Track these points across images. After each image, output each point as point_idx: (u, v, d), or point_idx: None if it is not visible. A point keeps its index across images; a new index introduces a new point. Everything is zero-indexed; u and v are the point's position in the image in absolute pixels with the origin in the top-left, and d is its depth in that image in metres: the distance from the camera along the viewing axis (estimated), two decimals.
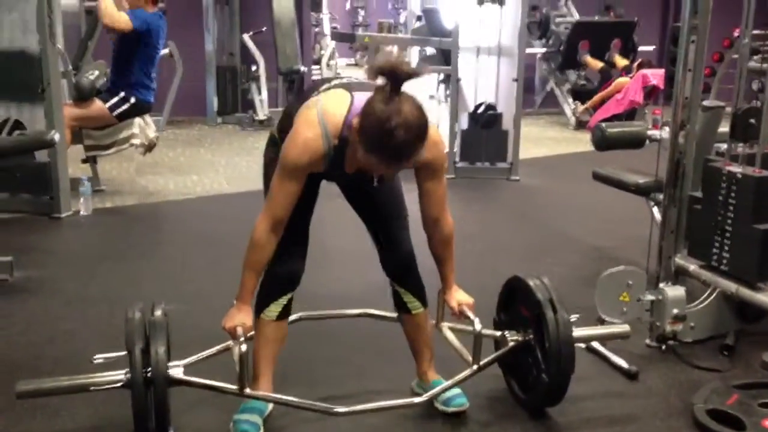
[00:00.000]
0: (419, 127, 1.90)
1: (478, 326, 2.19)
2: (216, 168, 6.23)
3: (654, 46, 9.67)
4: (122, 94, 4.90)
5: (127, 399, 1.95)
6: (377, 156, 1.92)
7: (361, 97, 2.00)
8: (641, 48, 9.21)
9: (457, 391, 2.32)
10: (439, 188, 2.15)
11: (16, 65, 4.48)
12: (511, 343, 2.31)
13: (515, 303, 2.39)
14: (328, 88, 2.12)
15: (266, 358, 2.24)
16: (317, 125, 1.99)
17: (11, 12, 4.46)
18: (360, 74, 2.53)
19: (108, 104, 4.88)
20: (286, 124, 2.17)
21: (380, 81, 1.92)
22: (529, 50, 7.78)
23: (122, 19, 4.75)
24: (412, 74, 1.90)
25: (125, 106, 4.92)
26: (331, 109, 2.02)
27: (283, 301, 2.22)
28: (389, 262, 2.32)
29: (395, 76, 1.88)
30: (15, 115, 4.54)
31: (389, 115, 1.86)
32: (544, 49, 9.54)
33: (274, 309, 2.22)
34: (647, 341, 2.84)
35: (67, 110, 4.79)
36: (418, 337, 2.38)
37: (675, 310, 2.75)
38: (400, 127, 1.86)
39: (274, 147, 2.23)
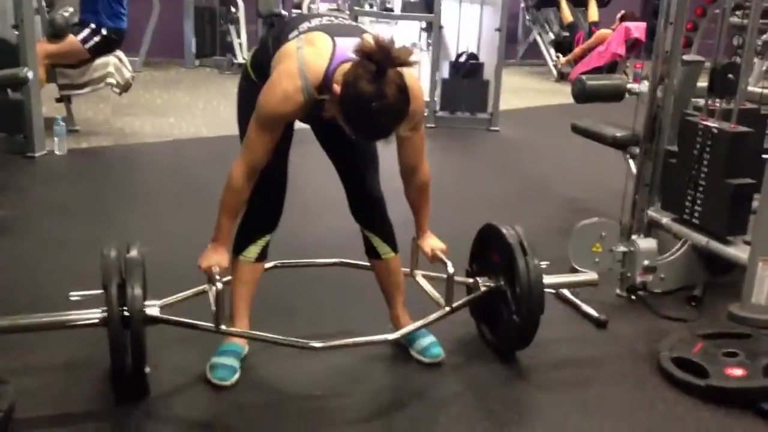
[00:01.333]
0: (400, 111, 1.87)
1: (450, 269, 2.23)
2: (193, 111, 6.16)
3: None
4: (92, 25, 4.79)
5: (104, 338, 1.95)
6: (353, 129, 1.91)
7: (343, 44, 1.96)
8: None
9: (432, 339, 2.36)
10: (418, 138, 2.14)
11: None
12: (483, 289, 2.35)
13: (487, 251, 2.43)
14: (309, 29, 2.06)
15: (243, 299, 2.27)
16: (297, 77, 1.94)
17: None
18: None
19: (79, 37, 4.77)
20: (260, 59, 2.14)
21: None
22: None
23: None
24: (403, 62, 1.83)
25: (96, 39, 4.81)
26: (311, 58, 1.95)
27: (262, 242, 2.24)
28: (358, 207, 2.33)
29: (384, 62, 1.81)
30: None
31: (371, 97, 1.81)
32: None
33: (253, 250, 2.23)
34: (617, 291, 2.90)
35: (41, 47, 4.68)
36: (389, 281, 2.41)
37: (646, 262, 2.81)
38: (381, 111, 1.83)
39: (247, 81, 2.21)
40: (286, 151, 2.21)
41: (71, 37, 4.79)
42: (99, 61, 5.01)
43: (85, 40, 4.80)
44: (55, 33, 4.76)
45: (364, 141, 2.14)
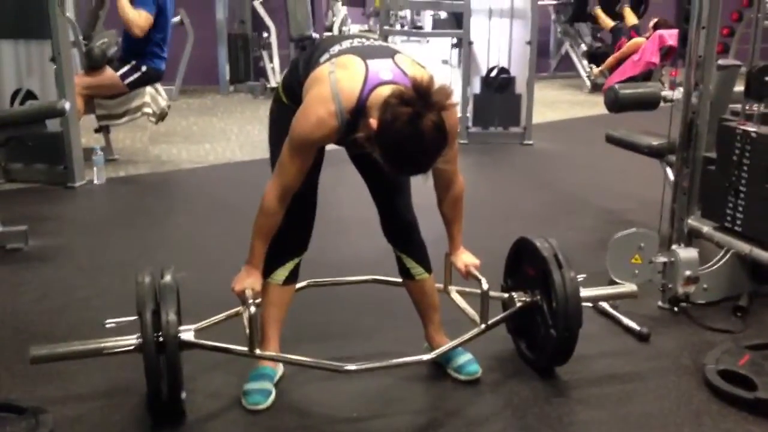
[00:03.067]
0: (438, 149, 1.85)
1: (485, 285, 2.19)
2: (228, 136, 6.24)
3: None
4: (133, 62, 4.93)
5: (141, 364, 1.97)
6: (389, 165, 1.88)
7: (376, 66, 1.96)
8: None
9: (469, 356, 2.33)
10: (451, 150, 2.11)
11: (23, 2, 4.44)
12: (519, 304, 2.32)
13: (522, 264, 2.39)
14: (340, 52, 2.04)
15: (273, 322, 2.26)
16: (331, 101, 1.92)
17: None
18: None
19: (119, 72, 4.90)
20: (291, 80, 2.15)
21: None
22: (540, 2, 7.60)
23: (144, 21, 4.80)
24: (442, 107, 1.81)
25: (136, 75, 4.94)
26: (345, 83, 1.94)
27: (291, 265, 2.23)
28: (390, 229, 2.32)
29: (423, 108, 1.79)
30: (25, 72, 4.57)
31: (409, 139, 1.79)
32: (555, 2, 9.38)
33: (281, 273, 2.23)
34: (659, 303, 2.83)
35: (79, 79, 4.81)
36: (424, 302, 2.38)
37: (688, 272, 2.73)
38: (418, 152, 1.82)
39: (278, 104, 2.22)
40: (316, 175, 2.21)
41: (110, 71, 4.91)
42: (135, 91, 5.12)
43: (124, 76, 4.93)
44: (92, 64, 4.88)
45: (400, 176, 2.13)
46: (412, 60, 2.06)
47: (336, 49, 2.06)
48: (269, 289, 2.23)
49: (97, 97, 5.05)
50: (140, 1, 4.81)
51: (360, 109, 1.93)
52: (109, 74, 4.91)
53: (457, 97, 5.68)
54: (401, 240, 2.33)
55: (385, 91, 1.87)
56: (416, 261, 2.33)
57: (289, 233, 2.17)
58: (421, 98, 1.79)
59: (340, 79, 1.94)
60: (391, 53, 2.04)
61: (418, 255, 2.33)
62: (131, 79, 4.95)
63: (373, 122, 1.84)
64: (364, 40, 2.16)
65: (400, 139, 1.80)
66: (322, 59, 2.05)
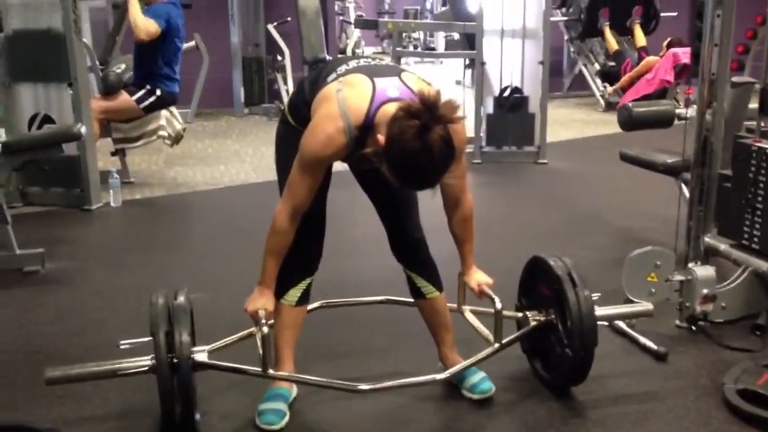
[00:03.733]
0: (446, 164, 1.85)
1: (498, 304, 2.18)
2: (243, 158, 6.28)
3: (676, 13, 9.40)
4: (148, 86, 4.98)
5: (155, 385, 1.97)
6: (398, 180, 1.89)
7: (383, 84, 1.97)
8: (664, 14, 8.97)
9: (482, 375, 2.32)
10: (459, 166, 2.11)
11: (42, 45, 4.51)
12: (533, 323, 2.30)
13: (536, 283, 2.38)
14: (347, 71, 2.07)
15: (287, 343, 2.26)
16: (339, 118, 1.94)
17: None
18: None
19: (134, 97, 4.96)
20: (298, 101, 2.17)
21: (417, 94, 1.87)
22: (550, 19, 7.61)
23: (153, 28, 4.79)
24: (449, 120, 1.82)
25: (151, 99, 4.99)
26: (353, 100, 1.96)
27: (303, 285, 2.23)
28: (399, 248, 2.32)
29: (431, 121, 1.79)
30: (43, 97, 4.63)
31: (417, 152, 1.80)
32: (564, 18, 9.40)
33: (293, 294, 2.22)
34: (677, 322, 2.80)
35: (95, 103, 4.87)
36: (435, 321, 2.37)
37: (705, 290, 2.70)
38: (426, 166, 1.83)
39: (284, 125, 2.24)
40: (325, 194, 2.22)
41: (126, 96, 4.96)
42: (151, 114, 5.18)
43: (140, 100, 4.98)
44: (108, 89, 4.95)
45: (408, 190, 2.14)
46: (418, 77, 2.08)
47: (343, 68, 2.09)
48: (282, 310, 2.23)
49: (113, 120, 5.11)
50: (151, 14, 4.84)
51: (368, 126, 1.94)
52: (125, 98, 4.97)
53: (470, 117, 5.68)
54: (410, 259, 2.32)
55: (392, 108, 1.88)
56: (426, 279, 2.32)
57: (300, 252, 2.17)
58: (428, 111, 1.80)
59: (347, 96, 1.97)
60: (397, 72, 2.07)
61: (427, 273, 2.33)
62: (147, 103, 5.00)
63: (381, 138, 1.86)
64: (369, 60, 2.20)
65: (408, 152, 1.81)
66: (330, 78, 2.07)
